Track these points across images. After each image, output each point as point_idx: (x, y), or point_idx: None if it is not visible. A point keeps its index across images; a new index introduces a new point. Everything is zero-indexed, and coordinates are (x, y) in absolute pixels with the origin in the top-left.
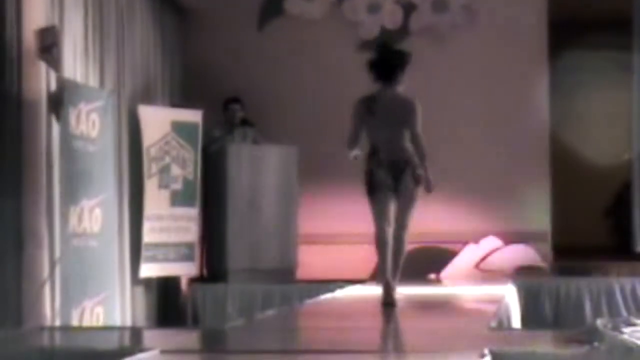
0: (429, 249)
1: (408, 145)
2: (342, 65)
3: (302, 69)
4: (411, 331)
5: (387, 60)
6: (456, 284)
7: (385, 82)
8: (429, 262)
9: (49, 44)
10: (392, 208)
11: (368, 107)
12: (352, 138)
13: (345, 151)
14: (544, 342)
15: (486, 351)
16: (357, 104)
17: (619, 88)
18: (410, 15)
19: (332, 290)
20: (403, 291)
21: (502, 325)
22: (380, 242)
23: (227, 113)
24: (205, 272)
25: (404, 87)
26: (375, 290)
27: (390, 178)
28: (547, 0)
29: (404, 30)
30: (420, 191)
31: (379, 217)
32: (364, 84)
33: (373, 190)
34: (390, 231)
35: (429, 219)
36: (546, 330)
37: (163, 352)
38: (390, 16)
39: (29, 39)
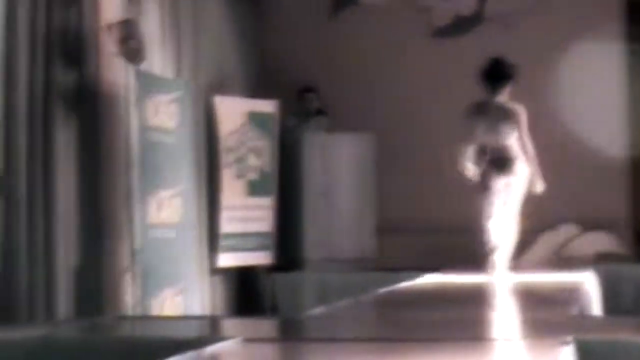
0: None
1: (513, 145)
2: (415, 53)
3: (376, 56)
4: (492, 319)
5: (498, 72)
6: (535, 271)
7: (494, 90)
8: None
9: (126, 37)
10: (498, 202)
11: (478, 112)
12: (466, 140)
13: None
14: (626, 329)
15: (570, 339)
16: (468, 109)
17: None
18: (485, 1)
19: (409, 279)
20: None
21: (583, 312)
22: (486, 235)
23: (302, 102)
24: (282, 261)
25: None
26: (452, 278)
27: (497, 175)
28: None
29: (477, 17)
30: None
31: (487, 210)
32: (437, 70)
33: (482, 186)
34: (494, 224)
35: None
36: (627, 317)
37: (245, 340)
38: (464, 2)
39: (107, 32)
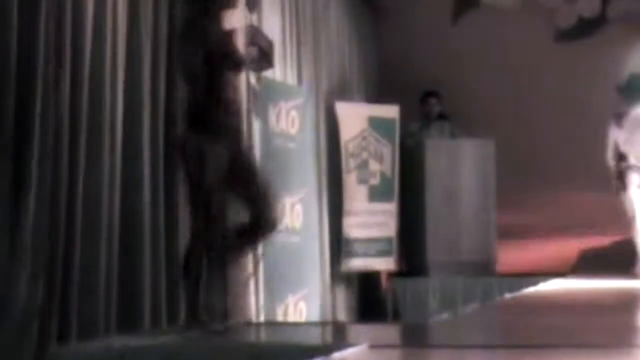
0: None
1: None
2: (538, 56)
3: (498, 60)
4: (623, 326)
5: (636, 85)
6: None
7: (632, 102)
8: (631, 256)
9: (250, 43)
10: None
11: (618, 122)
12: (609, 148)
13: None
14: None
15: None
16: (611, 120)
17: None
18: (608, 2)
19: (532, 284)
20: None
21: None
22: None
23: (424, 107)
24: (404, 266)
25: None
26: (576, 284)
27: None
28: None
29: (602, 19)
30: None
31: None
32: (559, 74)
33: (625, 189)
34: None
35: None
36: None
37: (372, 346)
38: (588, 4)
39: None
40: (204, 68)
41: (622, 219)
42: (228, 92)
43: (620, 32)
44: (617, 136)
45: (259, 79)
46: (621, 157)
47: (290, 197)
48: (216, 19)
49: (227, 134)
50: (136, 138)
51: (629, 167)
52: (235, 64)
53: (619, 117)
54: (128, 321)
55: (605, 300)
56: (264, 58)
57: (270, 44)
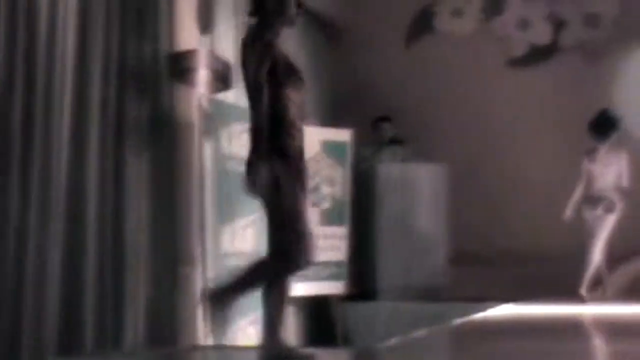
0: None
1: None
2: (491, 82)
3: (451, 85)
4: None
5: (606, 122)
6: (610, 303)
7: (602, 139)
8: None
9: (196, 66)
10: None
11: (590, 157)
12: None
13: None
14: None
15: None
16: (584, 155)
17: None
18: (560, 31)
19: (482, 310)
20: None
21: None
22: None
23: (377, 131)
24: (355, 290)
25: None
26: (525, 310)
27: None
28: None
29: (553, 47)
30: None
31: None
32: (513, 100)
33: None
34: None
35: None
36: None
37: None
38: (540, 32)
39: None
40: (269, 82)
41: (575, 242)
42: (292, 110)
43: (572, 59)
44: (589, 170)
45: (211, 100)
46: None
47: (241, 220)
48: (277, 33)
49: (295, 155)
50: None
51: (598, 199)
52: (299, 79)
53: (591, 152)
54: (69, 342)
55: (551, 325)
56: (220, 80)
57: (227, 66)
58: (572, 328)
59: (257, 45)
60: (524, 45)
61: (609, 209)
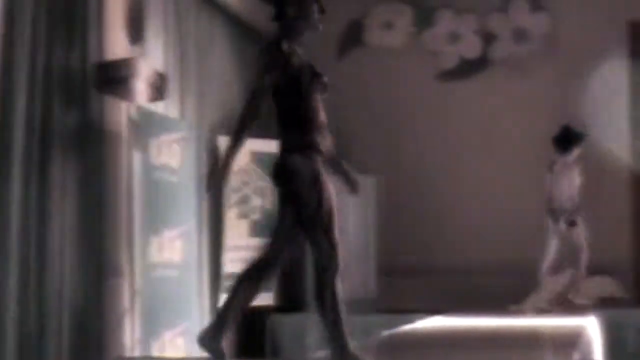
0: (510, 280)
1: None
2: (421, 95)
3: (382, 98)
4: None
5: (568, 137)
6: (536, 315)
7: (564, 152)
8: (511, 292)
9: (126, 76)
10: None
11: (551, 170)
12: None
13: None
14: None
15: None
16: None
17: None
18: (490, 45)
19: (412, 321)
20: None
21: (586, 358)
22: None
23: None
24: (284, 302)
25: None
26: (455, 322)
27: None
28: (628, 25)
29: (483, 61)
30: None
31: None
32: (443, 113)
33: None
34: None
35: (511, 249)
36: None
37: None
38: (470, 46)
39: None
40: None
41: (507, 255)
42: (322, 113)
43: (501, 73)
44: (549, 182)
45: (140, 111)
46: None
47: (170, 231)
48: (299, 39)
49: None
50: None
51: (555, 210)
52: (323, 85)
53: (552, 165)
54: None
55: (472, 338)
56: (153, 90)
57: (160, 76)
58: (499, 340)
59: (272, 52)
60: (454, 59)
61: (572, 223)
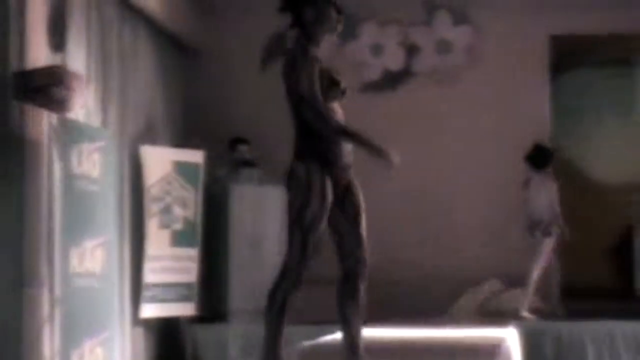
0: (433, 291)
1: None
2: (345, 106)
3: None
4: None
5: (540, 155)
6: (458, 326)
7: (537, 170)
8: (433, 303)
9: (47, 84)
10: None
11: (525, 187)
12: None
13: None
14: None
15: None
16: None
17: (623, 130)
18: (414, 56)
19: (333, 332)
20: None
21: None
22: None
23: (233, 153)
24: (205, 312)
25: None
26: (374, 332)
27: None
28: (549, 39)
29: (407, 72)
30: None
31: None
32: (367, 125)
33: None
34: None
35: (434, 260)
36: None
37: None
38: (394, 58)
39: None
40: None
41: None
42: (337, 120)
43: (425, 85)
44: (526, 198)
45: (61, 120)
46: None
47: (91, 241)
48: (319, 43)
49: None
50: None
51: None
52: (341, 91)
53: (526, 182)
54: None
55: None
56: (73, 98)
57: (80, 84)
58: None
59: (303, 61)
60: (378, 71)
61: (547, 233)
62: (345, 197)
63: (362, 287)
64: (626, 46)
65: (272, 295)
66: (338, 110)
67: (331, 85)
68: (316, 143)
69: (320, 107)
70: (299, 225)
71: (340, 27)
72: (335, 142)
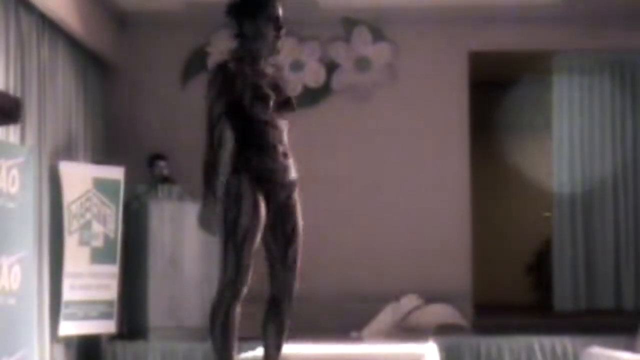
0: (350, 307)
1: None
2: None
3: None
4: None
5: None
6: (377, 342)
7: None
8: (351, 319)
9: None
10: None
11: None
12: None
13: None
14: None
15: None
16: None
17: (540, 147)
18: (333, 73)
19: (254, 349)
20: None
21: None
22: None
23: (152, 169)
24: (125, 329)
25: None
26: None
27: None
28: (468, 58)
29: (326, 89)
30: None
31: None
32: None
33: None
34: None
35: (351, 276)
36: None
37: None
38: (313, 74)
39: None
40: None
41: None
42: (270, 134)
43: (344, 101)
44: None
45: None
46: None
47: (8, 258)
48: (256, 61)
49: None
50: None
51: None
52: (267, 103)
53: None
54: None
55: None
56: (5, 115)
57: (15, 101)
58: None
59: (216, 78)
60: (298, 87)
61: None
62: (280, 218)
63: (287, 312)
64: (544, 63)
65: (213, 314)
66: (278, 125)
67: (256, 100)
68: (250, 157)
69: (211, 130)
70: (232, 239)
71: (278, 47)
72: (270, 157)
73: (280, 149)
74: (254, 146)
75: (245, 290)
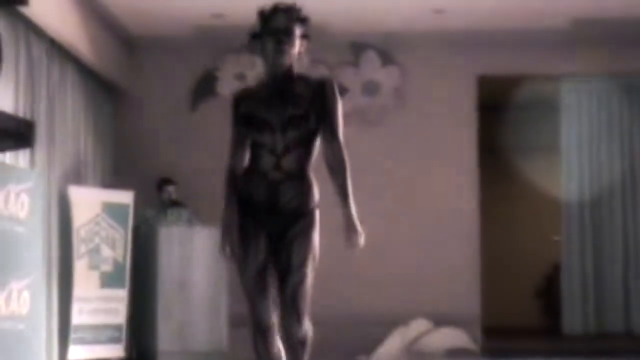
0: (359, 331)
1: None
2: None
3: None
4: None
5: None
6: None
7: None
8: (359, 343)
9: None
10: None
11: None
12: None
13: None
14: None
15: None
16: None
17: (549, 171)
18: (342, 97)
19: None
20: None
21: None
22: None
23: (160, 194)
24: (134, 354)
25: None
26: None
27: None
28: (477, 81)
29: None
30: None
31: None
32: None
33: None
34: None
35: (360, 299)
36: None
37: None
38: None
39: None
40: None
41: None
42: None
43: (353, 124)
44: None
45: None
46: None
47: (17, 283)
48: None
49: None
50: None
51: None
52: (265, 128)
53: None
54: None
55: None
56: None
57: (28, 125)
58: None
59: (231, 105)
60: None
61: None
62: (278, 249)
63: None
64: (552, 87)
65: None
66: (279, 151)
67: (251, 126)
68: (242, 182)
69: (230, 152)
70: (238, 269)
71: (285, 58)
72: (254, 184)
73: (273, 175)
74: (247, 171)
75: (269, 321)
